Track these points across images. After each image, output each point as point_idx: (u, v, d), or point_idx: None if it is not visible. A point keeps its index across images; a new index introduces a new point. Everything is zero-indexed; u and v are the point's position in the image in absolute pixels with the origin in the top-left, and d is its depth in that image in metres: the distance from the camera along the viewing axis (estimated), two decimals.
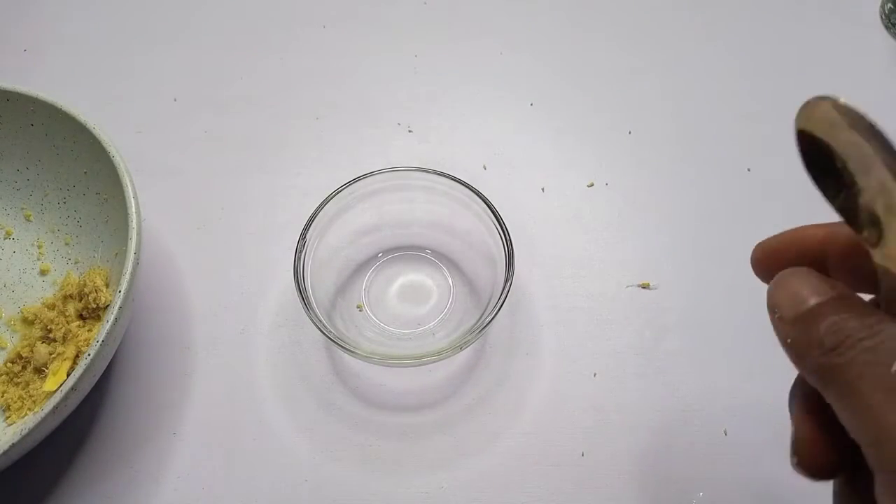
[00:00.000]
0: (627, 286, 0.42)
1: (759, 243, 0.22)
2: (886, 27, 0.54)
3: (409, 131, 0.49)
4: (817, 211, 0.48)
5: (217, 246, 0.44)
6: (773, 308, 0.20)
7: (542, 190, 0.46)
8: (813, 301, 0.19)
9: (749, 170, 0.47)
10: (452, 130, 0.49)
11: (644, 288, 0.42)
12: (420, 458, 0.37)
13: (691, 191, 0.46)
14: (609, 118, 0.50)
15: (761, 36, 0.54)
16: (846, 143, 0.21)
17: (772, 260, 0.22)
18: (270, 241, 0.44)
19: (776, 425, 0.38)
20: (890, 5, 0.54)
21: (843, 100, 0.21)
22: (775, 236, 0.22)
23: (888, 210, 0.19)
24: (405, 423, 0.38)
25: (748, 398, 0.39)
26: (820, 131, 0.22)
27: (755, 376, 0.40)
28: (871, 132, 0.20)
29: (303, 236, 0.37)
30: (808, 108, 0.22)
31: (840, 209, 0.21)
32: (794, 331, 0.19)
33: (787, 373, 0.41)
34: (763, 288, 0.44)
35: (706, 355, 0.40)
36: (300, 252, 0.37)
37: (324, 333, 0.35)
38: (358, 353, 0.34)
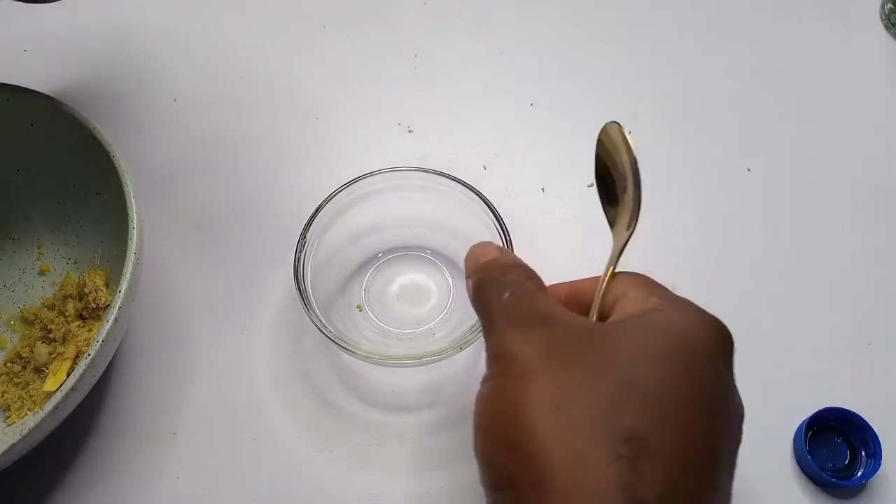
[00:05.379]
0: None
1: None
2: (886, 27, 0.54)
3: (409, 131, 0.49)
4: (816, 210, 0.49)
5: (217, 246, 0.44)
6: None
7: (542, 190, 0.46)
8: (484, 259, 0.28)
9: (749, 170, 0.47)
10: (452, 130, 0.49)
11: None
12: (420, 457, 0.37)
13: (691, 191, 0.46)
14: (609, 118, 0.49)
15: (761, 36, 0.54)
16: (621, 165, 0.30)
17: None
18: (270, 241, 0.44)
19: (775, 425, 0.38)
20: (890, 5, 0.54)
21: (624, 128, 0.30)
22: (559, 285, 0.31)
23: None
24: (405, 422, 0.38)
25: (748, 398, 0.39)
26: (606, 152, 0.31)
27: (755, 376, 0.39)
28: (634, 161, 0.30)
29: (303, 236, 0.37)
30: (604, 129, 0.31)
31: (609, 220, 0.31)
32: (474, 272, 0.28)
33: (787, 373, 0.41)
34: (762, 290, 0.44)
35: None
36: (300, 252, 0.37)
37: (324, 333, 0.35)
38: (357, 353, 0.34)
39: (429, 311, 0.41)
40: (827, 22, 0.54)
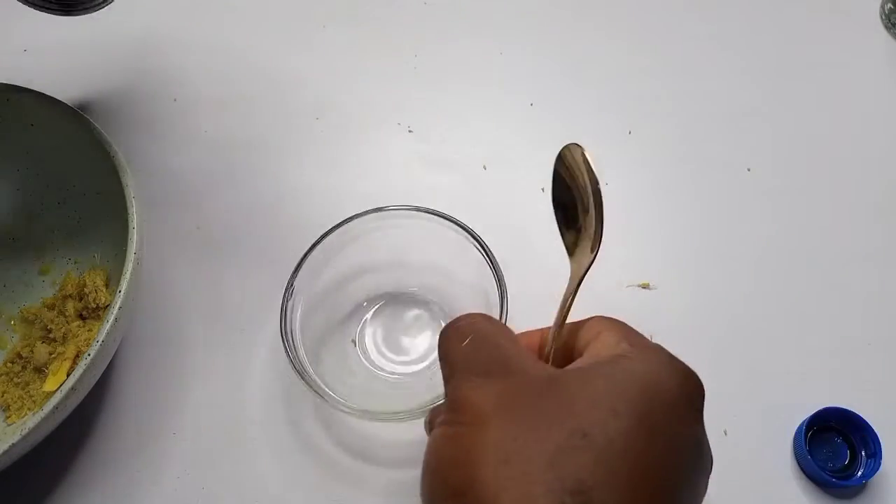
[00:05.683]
0: (627, 286, 0.42)
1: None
2: (886, 27, 0.54)
3: (409, 131, 0.49)
4: (816, 210, 0.48)
5: (217, 246, 0.44)
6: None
7: (542, 190, 0.46)
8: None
9: (749, 170, 0.47)
10: (452, 130, 0.49)
11: (644, 288, 0.42)
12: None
13: (691, 191, 0.46)
14: (609, 118, 0.50)
15: (761, 36, 0.54)
16: (582, 187, 0.29)
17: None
18: (270, 240, 0.44)
19: (774, 425, 0.38)
20: (890, 5, 0.54)
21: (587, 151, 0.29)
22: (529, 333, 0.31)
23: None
24: (406, 424, 0.38)
25: (748, 398, 0.39)
26: (567, 173, 0.30)
27: (755, 376, 0.40)
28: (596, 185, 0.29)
29: (290, 283, 0.36)
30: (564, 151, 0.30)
31: (567, 245, 0.30)
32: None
33: (787, 373, 0.41)
34: (762, 290, 0.44)
35: (706, 355, 0.40)
36: (287, 298, 0.36)
37: (305, 381, 0.34)
38: (348, 411, 0.33)
39: (422, 354, 0.40)
40: (827, 22, 0.54)
